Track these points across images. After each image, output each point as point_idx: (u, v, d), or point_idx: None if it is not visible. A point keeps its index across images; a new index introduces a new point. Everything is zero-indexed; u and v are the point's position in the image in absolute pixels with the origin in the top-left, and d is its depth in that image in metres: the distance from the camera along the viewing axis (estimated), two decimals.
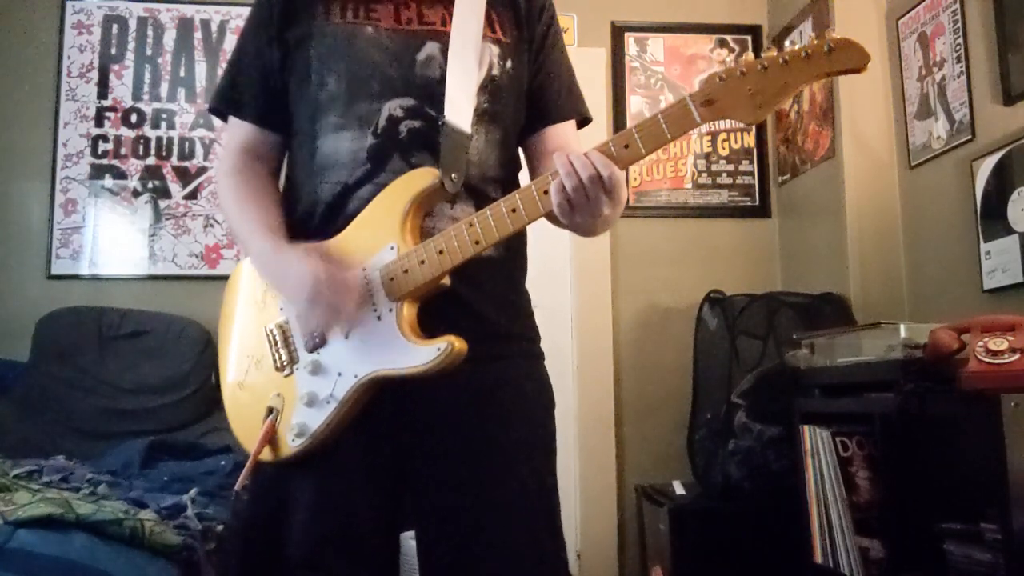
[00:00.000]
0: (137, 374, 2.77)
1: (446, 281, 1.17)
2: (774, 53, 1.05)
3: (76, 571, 1.46)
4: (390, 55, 1.24)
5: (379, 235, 1.19)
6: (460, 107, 1.23)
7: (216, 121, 3.16)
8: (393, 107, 1.23)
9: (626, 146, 1.09)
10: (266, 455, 1.21)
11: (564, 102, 1.37)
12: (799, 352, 2.39)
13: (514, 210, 1.13)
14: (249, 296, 1.32)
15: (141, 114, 3.15)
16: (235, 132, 1.35)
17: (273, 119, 1.32)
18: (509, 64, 1.30)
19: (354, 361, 1.17)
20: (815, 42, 1.02)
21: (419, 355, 1.13)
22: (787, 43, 1.06)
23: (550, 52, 1.37)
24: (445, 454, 1.22)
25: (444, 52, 1.24)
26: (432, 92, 1.23)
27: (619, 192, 1.10)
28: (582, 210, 1.09)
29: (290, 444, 1.19)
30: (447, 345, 1.12)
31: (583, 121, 1.40)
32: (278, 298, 1.26)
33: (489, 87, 1.27)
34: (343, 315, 1.16)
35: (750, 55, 1.06)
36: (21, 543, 1.46)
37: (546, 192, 1.10)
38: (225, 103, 1.35)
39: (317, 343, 1.20)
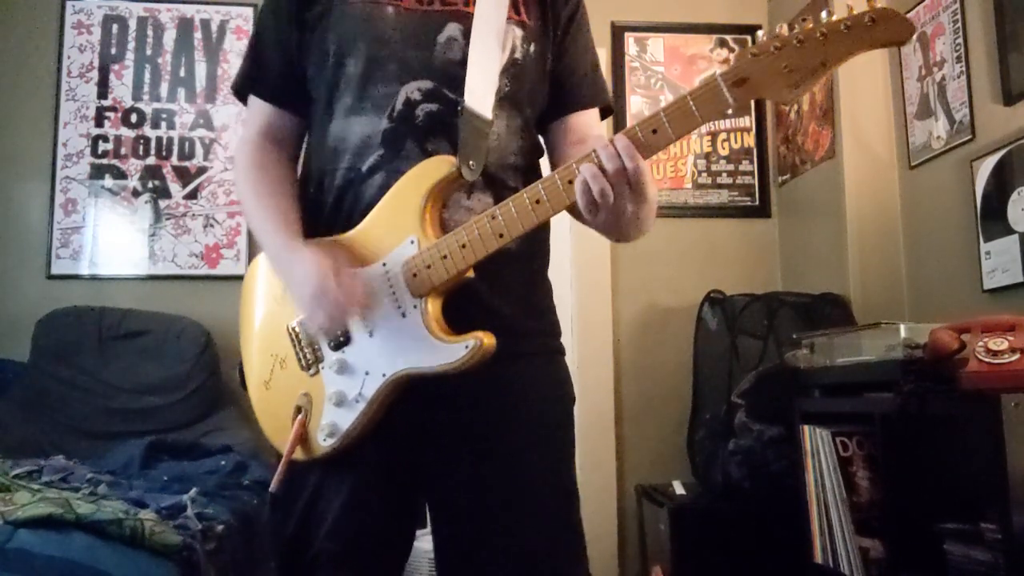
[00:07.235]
0: (137, 374, 2.77)
1: (470, 274, 1.13)
2: (811, 26, 0.96)
3: (76, 571, 1.46)
4: (410, 36, 1.20)
5: (397, 228, 1.15)
6: (481, 92, 1.18)
7: (216, 121, 3.16)
8: (411, 90, 1.19)
9: (654, 131, 1.02)
10: (297, 454, 1.19)
11: (588, 90, 1.33)
12: (799, 352, 2.39)
13: (538, 201, 1.08)
14: (268, 293, 1.29)
15: (141, 114, 3.14)
16: (255, 114, 1.31)
17: (293, 100, 1.29)
18: (533, 48, 1.26)
19: (381, 359, 1.15)
20: (855, 13, 0.94)
21: (448, 352, 1.11)
22: (823, 14, 0.97)
23: (575, 38, 1.32)
24: (461, 453, 1.20)
25: (466, 34, 1.20)
26: (452, 74, 1.19)
27: (645, 187, 1.04)
28: (606, 207, 1.03)
29: (321, 444, 1.18)
30: (476, 342, 1.10)
31: (606, 110, 1.36)
32: None
33: (512, 71, 1.23)
34: (347, 316, 1.13)
35: (785, 28, 0.98)
36: (21, 543, 1.46)
37: (571, 182, 1.05)
38: (246, 83, 1.32)
39: (342, 341, 1.18)
